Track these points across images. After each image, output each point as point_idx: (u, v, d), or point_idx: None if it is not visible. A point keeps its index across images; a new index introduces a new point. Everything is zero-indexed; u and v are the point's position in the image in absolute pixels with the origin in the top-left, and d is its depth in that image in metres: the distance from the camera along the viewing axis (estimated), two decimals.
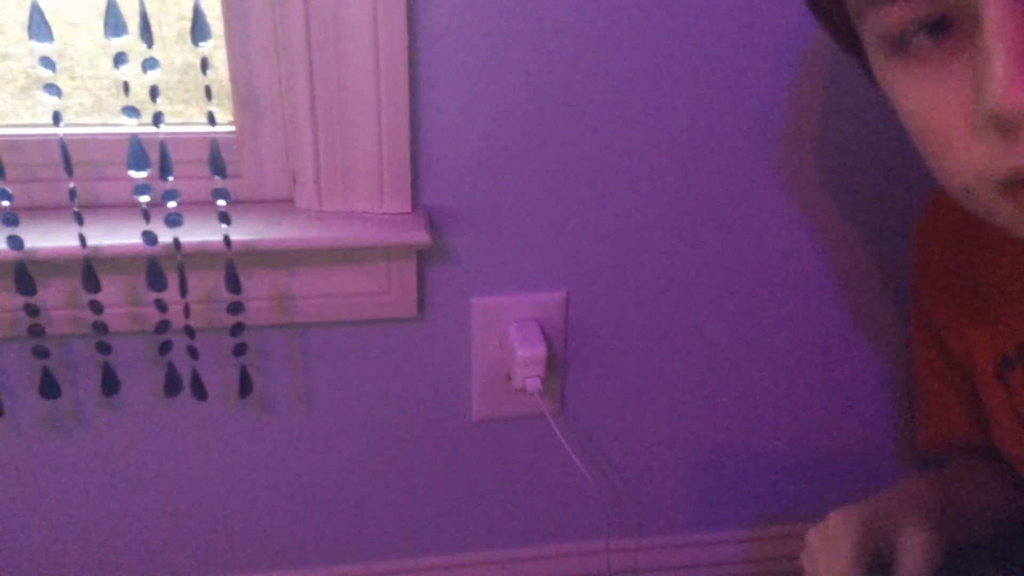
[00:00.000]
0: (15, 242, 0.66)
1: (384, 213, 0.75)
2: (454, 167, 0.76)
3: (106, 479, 0.84)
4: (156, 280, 0.70)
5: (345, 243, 0.72)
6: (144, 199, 0.68)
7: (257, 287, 0.76)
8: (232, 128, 0.74)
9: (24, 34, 0.73)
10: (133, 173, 0.67)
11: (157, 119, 0.66)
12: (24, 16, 0.73)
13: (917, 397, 0.80)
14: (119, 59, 0.63)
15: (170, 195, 0.68)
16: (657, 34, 0.73)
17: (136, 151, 0.67)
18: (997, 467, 0.74)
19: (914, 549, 0.61)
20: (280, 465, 0.87)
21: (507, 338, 0.82)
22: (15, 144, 0.72)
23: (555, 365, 0.87)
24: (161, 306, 0.72)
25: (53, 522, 0.85)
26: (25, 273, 0.68)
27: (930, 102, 0.42)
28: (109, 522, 0.86)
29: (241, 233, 0.71)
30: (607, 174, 0.78)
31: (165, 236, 0.69)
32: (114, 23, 0.62)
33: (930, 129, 0.42)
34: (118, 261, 0.72)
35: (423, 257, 0.79)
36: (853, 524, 0.62)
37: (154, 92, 0.65)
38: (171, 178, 0.68)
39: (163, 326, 0.73)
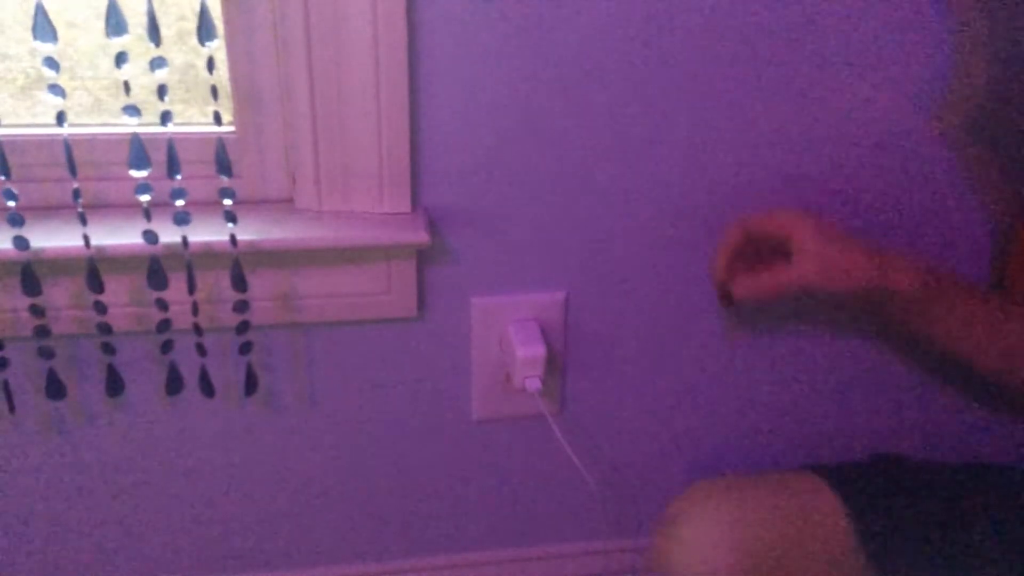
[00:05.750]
0: (21, 242, 0.66)
1: (384, 213, 0.75)
2: (454, 167, 0.76)
3: (111, 478, 0.84)
4: (157, 279, 0.70)
5: (345, 243, 0.72)
6: (145, 199, 0.68)
7: (258, 287, 0.76)
8: (232, 128, 0.75)
9: (24, 34, 0.73)
10: (134, 172, 0.67)
11: (165, 118, 0.66)
12: (23, 16, 0.73)
13: None
14: (120, 58, 0.63)
15: (178, 193, 0.69)
16: (656, 35, 0.73)
17: (137, 150, 0.67)
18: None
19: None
20: (282, 464, 0.87)
21: (507, 338, 0.82)
22: (19, 144, 0.72)
23: (555, 365, 0.87)
24: (162, 305, 0.72)
25: (58, 521, 0.85)
26: (31, 273, 0.69)
27: None
28: (113, 521, 0.86)
29: (242, 233, 0.71)
30: (607, 175, 0.79)
31: (171, 235, 0.69)
32: (115, 23, 0.62)
33: None
34: (122, 261, 0.72)
35: (423, 257, 0.79)
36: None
37: (162, 91, 0.65)
38: (178, 176, 0.68)
39: (164, 325, 0.73)
